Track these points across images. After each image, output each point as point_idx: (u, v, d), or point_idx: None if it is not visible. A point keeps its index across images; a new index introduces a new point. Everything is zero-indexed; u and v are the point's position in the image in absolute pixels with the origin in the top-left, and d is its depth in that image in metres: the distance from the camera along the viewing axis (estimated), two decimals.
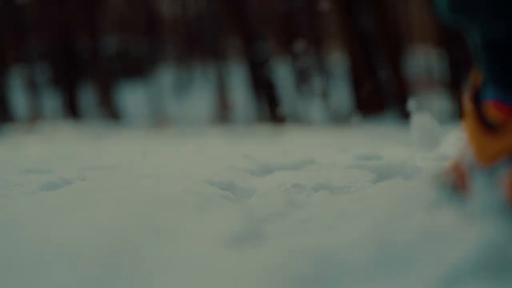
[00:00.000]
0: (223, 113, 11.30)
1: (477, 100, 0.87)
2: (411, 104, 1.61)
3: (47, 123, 9.75)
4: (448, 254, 0.75)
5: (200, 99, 12.55)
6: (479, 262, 0.72)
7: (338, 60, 11.08)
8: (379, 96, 9.23)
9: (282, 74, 11.25)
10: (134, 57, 13.58)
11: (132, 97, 12.88)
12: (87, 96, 12.03)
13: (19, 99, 11.85)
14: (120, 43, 13.47)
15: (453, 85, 9.03)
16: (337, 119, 10.02)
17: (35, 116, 11.36)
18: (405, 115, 8.78)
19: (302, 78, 11.29)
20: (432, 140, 1.55)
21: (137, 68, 13.45)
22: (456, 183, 0.94)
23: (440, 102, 9.55)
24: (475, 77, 0.89)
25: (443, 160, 1.87)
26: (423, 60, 11.73)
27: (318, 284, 0.74)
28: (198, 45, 13.38)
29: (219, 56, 12.09)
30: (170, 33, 13.53)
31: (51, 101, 12.06)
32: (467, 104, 0.91)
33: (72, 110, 11.75)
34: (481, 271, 0.71)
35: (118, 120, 11.19)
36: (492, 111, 0.84)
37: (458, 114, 8.97)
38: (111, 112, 11.46)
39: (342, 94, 10.78)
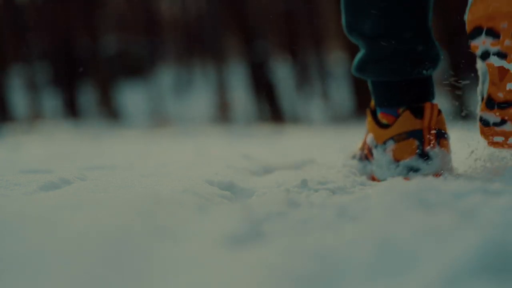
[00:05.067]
0: (223, 113, 11.30)
1: (374, 113, 1.60)
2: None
3: (47, 123, 9.75)
4: (448, 254, 0.75)
5: (200, 99, 12.55)
6: (479, 262, 0.72)
7: (338, 60, 11.08)
8: None
9: (282, 74, 11.25)
10: (134, 57, 13.58)
11: (132, 97, 12.89)
12: (87, 96, 12.04)
13: (19, 99, 11.86)
14: (120, 43, 13.48)
15: (453, 85, 9.01)
16: (337, 119, 10.02)
17: (35, 115, 11.36)
18: None
19: (302, 78, 11.29)
20: None
21: (137, 68, 13.45)
22: (365, 154, 1.65)
23: (440, 102, 9.53)
24: (371, 103, 1.62)
25: None
26: None
27: (318, 284, 0.74)
28: (198, 45, 13.38)
29: (219, 56, 12.09)
30: (170, 33, 13.53)
31: (51, 101, 12.06)
32: (368, 115, 1.62)
33: (72, 110, 11.75)
34: (481, 271, 0.71)
35: (118, 120, 11.19)
36: (382, 117, 1.58)
37: (458, 114, 8.96)
38: (111, 112, 11.46)
39: (342, 94, 10.78)
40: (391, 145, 1.51)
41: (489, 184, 1.28)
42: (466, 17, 1.36)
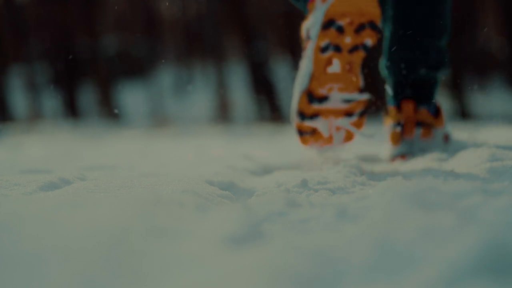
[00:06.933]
0: (223, 113, 11.30)
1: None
2: None
3: (47, 123, 9.75)
4: (448, 254, 0.75)
5: (200, 99, 12.55)
6: (479, 262, 0.72)
7: None
8: (378, 96, 9.22)
9: (282, 74, 11.25)
10: (134, 57, 13.58)
11: (132, 97, 12.88)
12: (87, 96, 12.03)
13: (19, 99, 11.85)
14: (120, 43, 13.47)
15: (453, 84, 9.02)
16: None
17: (35, 116, 11.36)
18: None
19: None
20: None
21: (137, 68, 13.45)
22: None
23: (440, 101, 9.53)
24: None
25: (441, 160, 1.88)
26: None
27: (318, 284, 0.74)
28: (198, 45, 13.38)
29: (219, 56, 12.09)
30: (170, 33, 13.53)
31: (51, 101, 12.06)
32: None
33: (72, 110, 11.75)
34: (481, 271, 0.71)
35: (118, 120, 11.19)
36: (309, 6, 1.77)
37: (458, 114, 8.97)
38: (111, 112, 11.46)
39: None
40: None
41: (489, 184, 1.28)
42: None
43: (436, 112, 2.14)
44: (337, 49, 1.76)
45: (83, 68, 11.92)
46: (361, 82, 1.85)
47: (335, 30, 1.74)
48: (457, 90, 9.08)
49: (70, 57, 11.55)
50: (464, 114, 8.97)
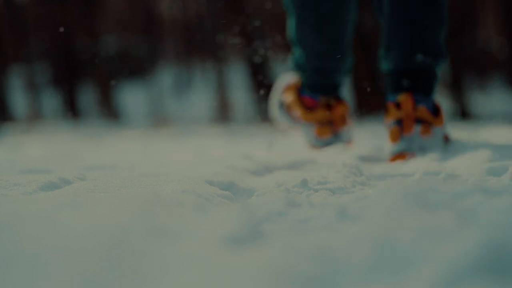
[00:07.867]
0: (223, 113, 11.29)
1: (299, 93, 2.48)
2: None
3: (47, 123, 9.75)
4: (448, 254, 0.75)
5: (200, 99, 12.54)
6: (479, 262, 0.72)
7: None
8: (379, 96, 9.22)
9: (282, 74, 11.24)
10: (134, 57, 13.56)
11: (132, 97, 12.88)
12: (87, 96, 12.03)
13: (19, 99, 11.85)
14: (120, 43, 13.46)
15: (453, 84, 9.02)
16: None
17: (35, 116, 11.35)
18: None
19: None
20: None
21: (137, 68, 13.44)
22: (289, 112, 2.55)
23: (440, 101, 9.51)
24: (298, 80, 2.50)
25: (441, 160, 1.88)
26: None
27: (318, 284, 0.74)
28: (198, 45, 13.37)
29: (219, 56, 12.08)
30: (170, 33, 13.52)
31: (51, 101, 12.05)
32: (294, 91, 2.51)
33: (72, 110, 11.74)
34: (481, 271, 0.71)
35: (118, 119, 11.18)
36: (306, 101, 2.47)
37: (458, 114, 8.97)
38: (111, 112, 11.45)
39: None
40: (315, 127, 2.45)
41: (489, 184, 1.28)
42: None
43: (436, 111, 2.15)
44: None
45: (83, 68, 11.92)
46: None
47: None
48: (457, 90, 9.08)
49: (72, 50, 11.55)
50: (464, 114, 8.98)
